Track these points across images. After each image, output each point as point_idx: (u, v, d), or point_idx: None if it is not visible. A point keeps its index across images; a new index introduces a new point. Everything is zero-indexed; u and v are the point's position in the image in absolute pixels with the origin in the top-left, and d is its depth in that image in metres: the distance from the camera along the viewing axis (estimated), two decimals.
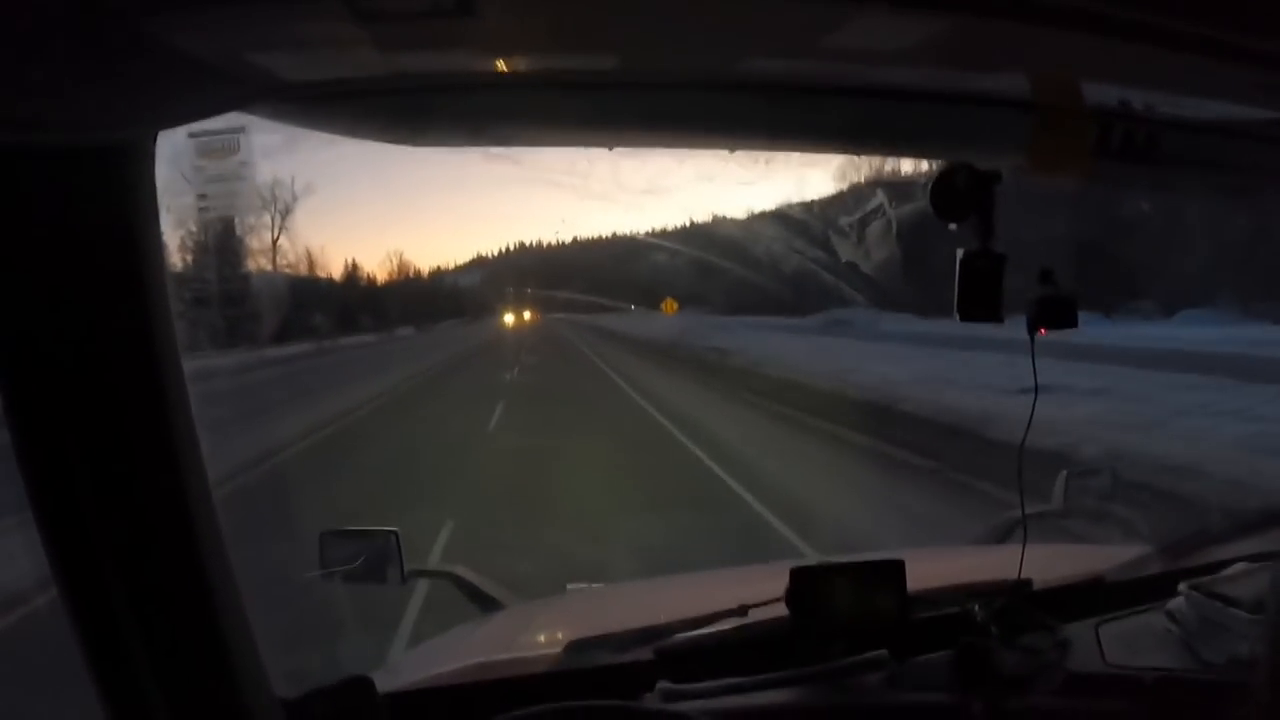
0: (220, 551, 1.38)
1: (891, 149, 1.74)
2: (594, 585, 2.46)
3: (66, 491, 1.24)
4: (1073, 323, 1.59)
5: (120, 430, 1.27)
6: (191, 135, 1.33)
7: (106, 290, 1.24)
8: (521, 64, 1.21)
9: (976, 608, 1.67)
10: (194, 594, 1.36)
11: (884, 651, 1.63)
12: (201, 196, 1.24)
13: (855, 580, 1.63)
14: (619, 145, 1.45)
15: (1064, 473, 2.37)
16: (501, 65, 1.20)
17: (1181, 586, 1.77)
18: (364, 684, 1.50)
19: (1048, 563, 1.93)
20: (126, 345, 1.26)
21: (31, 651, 4.09)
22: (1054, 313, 1.58)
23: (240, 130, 1.33)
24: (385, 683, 1.57)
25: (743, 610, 1.67)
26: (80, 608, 1.29)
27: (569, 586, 2.43)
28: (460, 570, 2.39)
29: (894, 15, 1.04)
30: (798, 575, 1.61)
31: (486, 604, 2.30)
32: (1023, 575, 1.79)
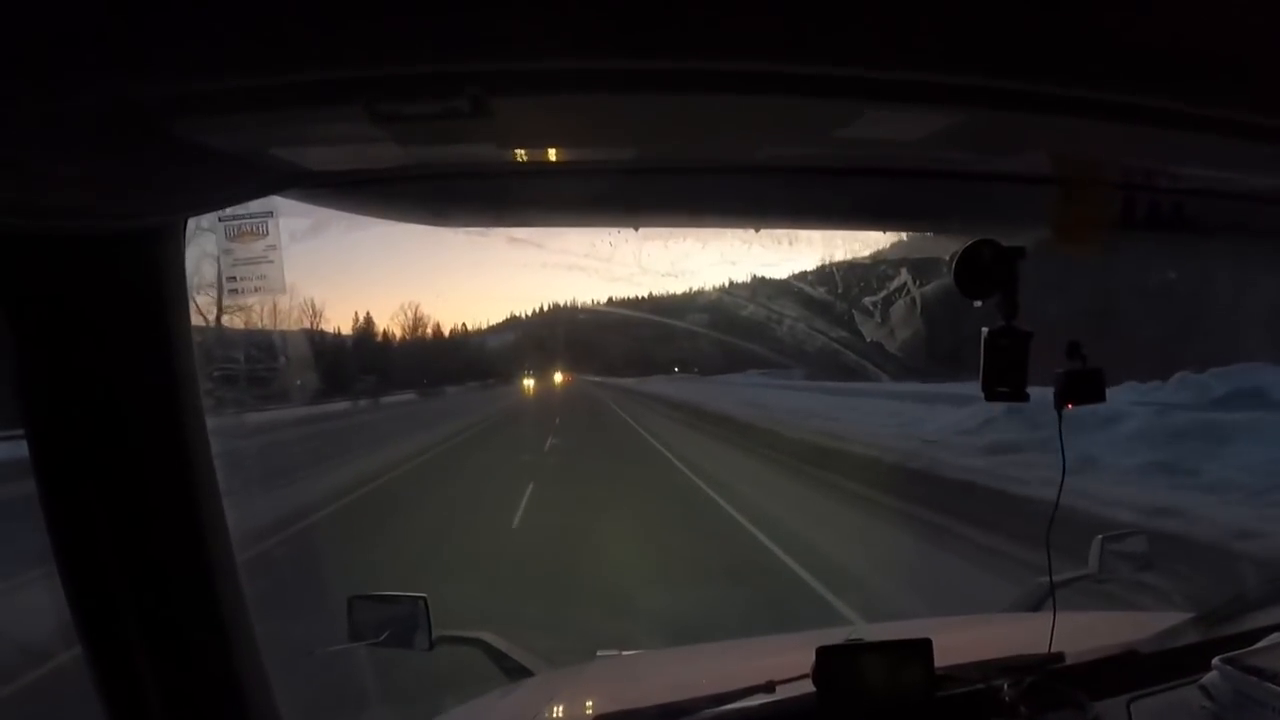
0: (243, 611, 1.40)
1: (914, 227, 1.73)
2: (624, 653, 2.44)
3: (91, 552, 1.27)
4: (1100, 397, 1.57)
5: (146, 494, 1.30)
6: (221, 219, 1.36)
7: (136, 364, 1.27)
8: (540, 155, 1.23)
9: (1005, 685, 1.64)
10: (215, 653, 1.38)
11: None
12: (230, 279, 1.27)
13: (883, 659, 1.61)
14: (638, 226, 1.47)
15: (1099, 537, 2.33)
16: (520, 155, 1.22)
17: (1215, 660, 1.73)
18: None
19: (1080, 633, 1.90)
20: (154, 415, 1.30)
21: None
22: (1081, 387, 1.56)
23: (269, 214, 1.36)
24: None
25: (770, 686, 1.65)
26: (100, 662, 1.31)
27: (599, 654, 2.40)
28: (488, 637, 2.38)
29: (903, 111, 1.05)
30: (824, 654, 1.59)
31: (515, 672, 2.29)
32: (1055, 647, 1.76)
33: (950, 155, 1.37)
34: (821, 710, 1.59)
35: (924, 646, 1.60)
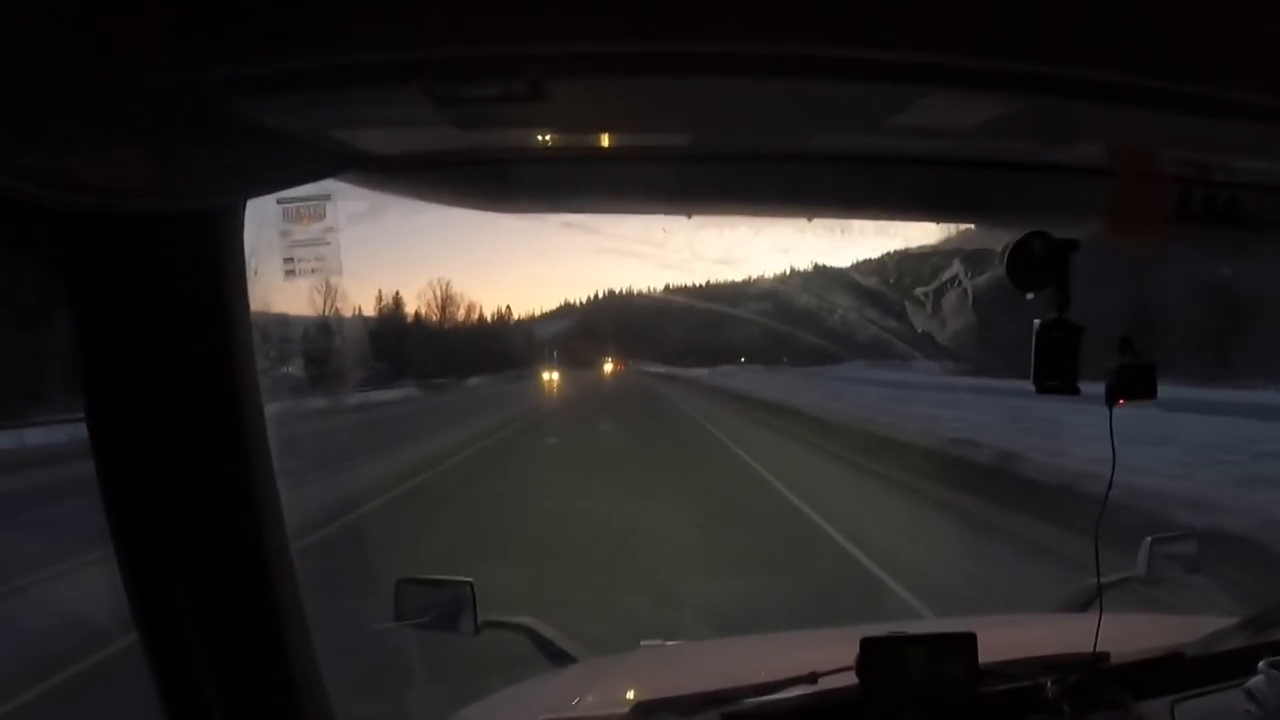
0: (295, 595, 1.43)
1: (966, 217, 1.72)
2: (667, 643, 2.45)
3: (149, 534, 1.30)
4: (1152, 393, 1.55)
5: (203, 476, 1.33)
6: (279, 201, 1.39)
7: (195, 345, 1.30)
8: (596, 140, 1.24)
9: (1049, 683, 1.63)
10: (267, 636, 1.40)
11: None
12: (288, 260, 1.29)
13: (927, 652, 1.60)
14: (691, 213, 1.47)
15: (1148, 539, 2.30)
16: (575, 140, 1.23)
17: (1262, 664, 1.70)
18: None
19: (1126, 634, 1.87)
20: (212, 396, 1.32)
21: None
22: (1133, 382, 1.54)
23: (327, 197, 1.38)
24: None
25: (812, 677, 1.65)
26: (155, 644, 1.34)
27: (642, 643, 2.41)
28: (533, 623, 2.40)
29: (956, 98, 1.05)
30: (869, 645, 1.58)
31: (558, 657, 2.31)
32: (1100, 647, 1.74)
33: (1003, 145, 1.37)
34: (864, 701, 1.58)
35: (968, 641, 1.59)
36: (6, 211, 1.10)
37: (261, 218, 1.33)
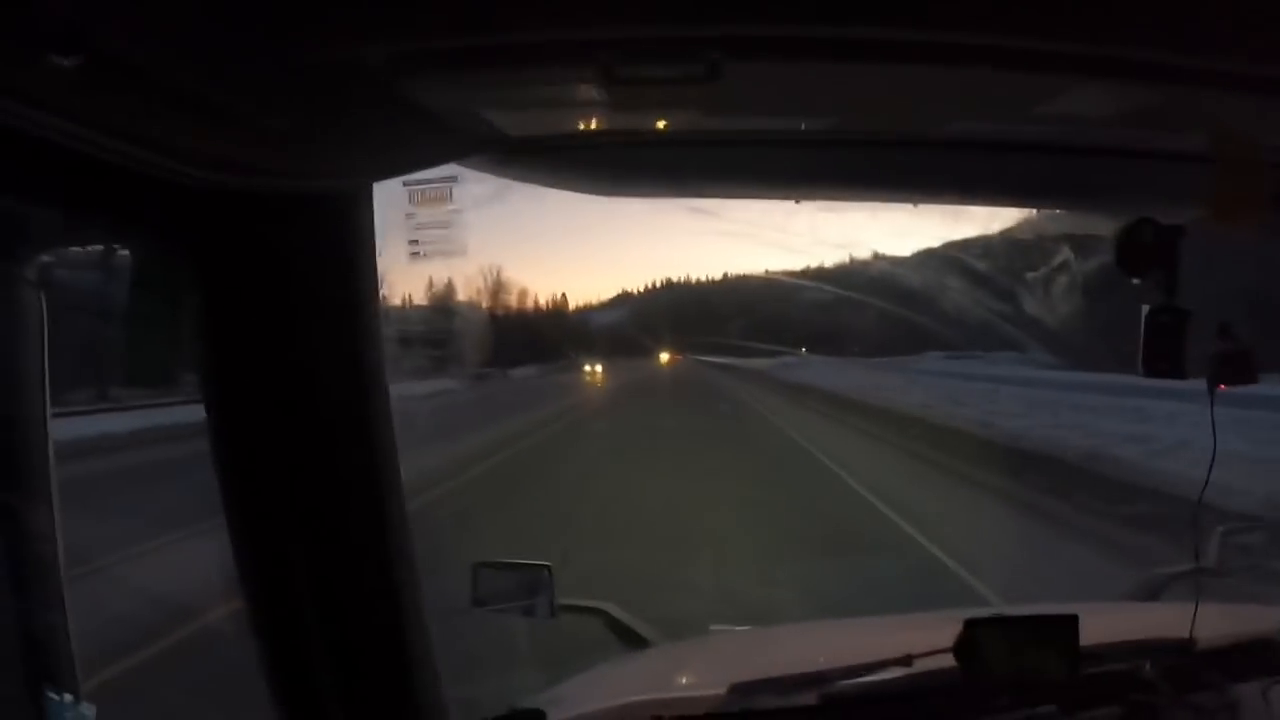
0: (413, 578, 1.44)
1: (1074, 204, 1.73)
2: (737, 628, 2.46)
3: (265, 510, 1.32)
4: (1253, 378, 1.56)
5: (329, 453, 1.34)
6: (405, 183, 1.41)
7: (325, 326, 1.32)
8: (737, 123, 1.26)
9: (1146, 665, 1.65)
10: (384, 619, 1.42)
11: (1053, 707, 1.61)
12: (412, 242, 1.31)
13: (1028, 634, 1.61)
14: (818, 198, 1.49)
15: (1219, 529, 2.31)
16: (712, 124, 1.25)
17: None
18: (537, 716, 1.54)
19: (1213, 622, 1.89)
20: (341, 379, 1.34)
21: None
22: (1233, 368, 1.56)
23: (453, 179, 1.40)
24: (555, 715, 1.61)
25: (908, 660, 1.66)
26: (266, 616, 1.35)
27: (712, 628, 2.43)
28: (609, 607, 2.42)
29: (1105, 85, 1.07)
30: (971, 626, 1.59)
31: (634, 641, 2.33)
32: (1184, 634, 1.76)
33: (1115, 131, 1.38)
34: (966, 681, 1.60)
35: (1070, 623, 1.60)
36: (140, 188, 1.12)
37: (386, 200, 1.35)
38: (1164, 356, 1.48)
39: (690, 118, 1.20)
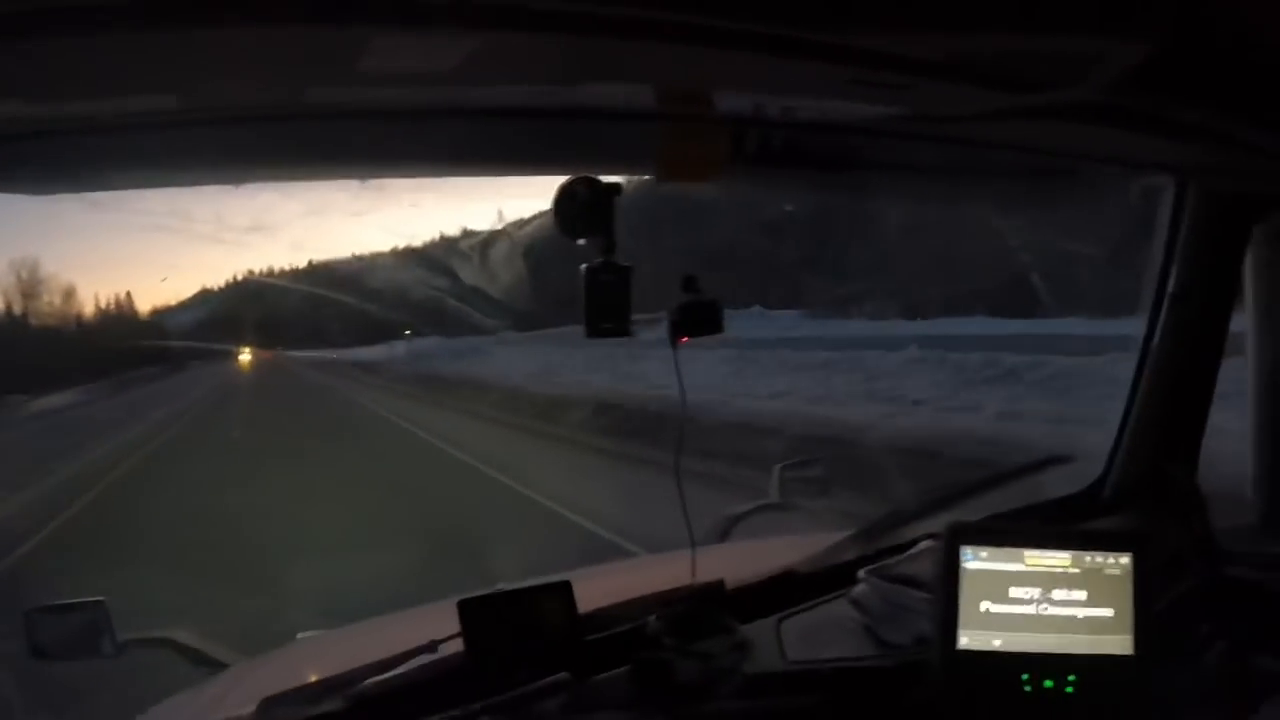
0: None
1: (514, 168, 1.68)
2: (325, 632, 2.36)
3: None
4: (718, 328, 1.59)
5: None
6: None
7: None
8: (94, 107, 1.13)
9: (653, 619, 1.67)
10: None
11: (565, 674, 1.60)
12: None
13: (524, 605, 1.59)
14: (204, 182, 1.38)
15: (778, 466, 2.40)
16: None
17: (861, 573, 1.81)
18: None
19: (742, 560, 1.95)
20: None
21: None
22: (697, 319, 1.58)
23: None
24: None
25: (432, 646, 1.61)
26: None
27: (299, 635, 2.32)
28: (178, 635, 2.26)
29: (532, 40, 1.02)
30: (464, 608, 1.56)
31: (211, 665, 2.18)
32: (715, 577, 1.80)
33: (549, 89, 1.34)
34: (471, 663, 1.56)
35: (563, 588, 1.60)
36: None
37: None
38: (608, 315, 1.47)
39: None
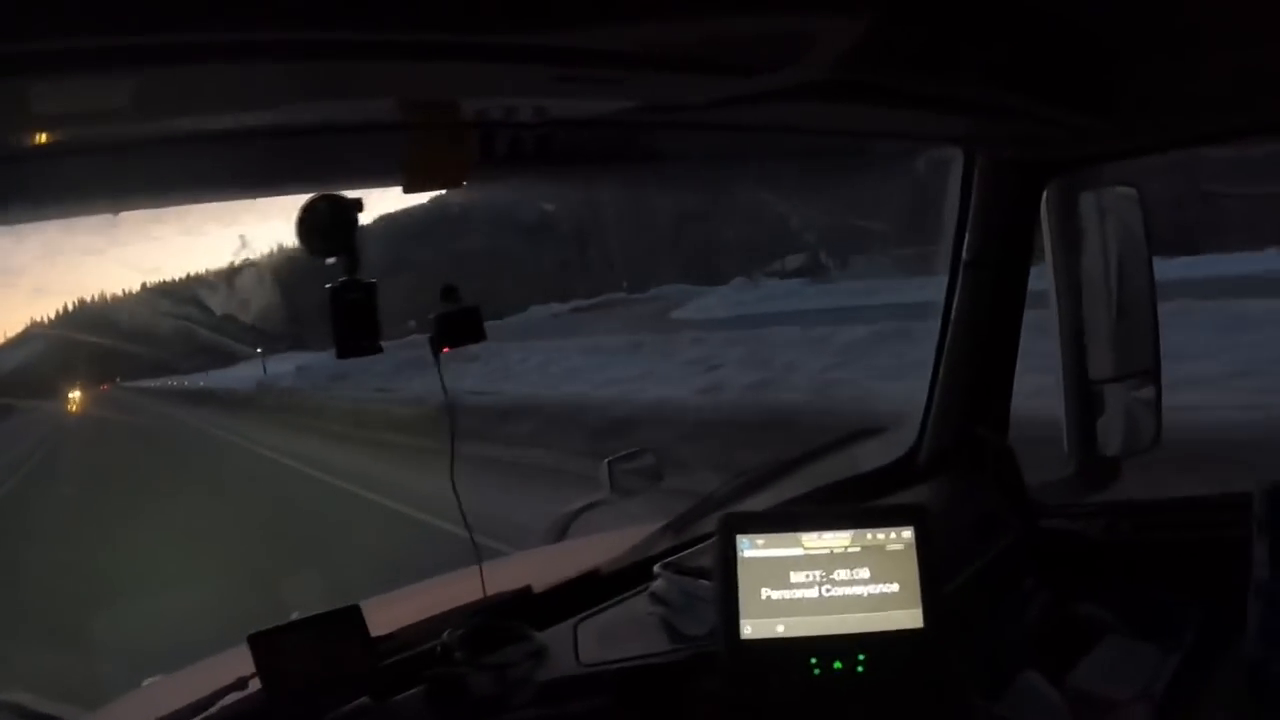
0: None
1: (257, 190, 1.63)
2: (168, 675, 2.29)
3: None
4: (479, 335, 1.57)
5: None
6: None
7: None
8: None
9: (445, 635, 1.64)
10: None
11: (365, 699, 1.57)
12: None
13: (314, 634, 1.55)
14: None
15: (605, 461, 2.39)
16: None
17: (656, 568, 1.81)
18: None
19: (562, 562, 1.93)
20: None
21: None
22: (457, 329, 1.56)
23: None
24: None
25: (242, 683, 1.56)
26: None
27: (145, 682, 2.25)
28: (21, 697, 2.17)
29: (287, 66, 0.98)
30: (254, 642, 1.51)
31: None
32: (525, 583, 1.79)
33: (288, 109, 1.29)
34: (267, 698, 1.52)
35: (352, 613, 1.56)
36: None
37: None
38: (357, 333, 1.43)
39: None
